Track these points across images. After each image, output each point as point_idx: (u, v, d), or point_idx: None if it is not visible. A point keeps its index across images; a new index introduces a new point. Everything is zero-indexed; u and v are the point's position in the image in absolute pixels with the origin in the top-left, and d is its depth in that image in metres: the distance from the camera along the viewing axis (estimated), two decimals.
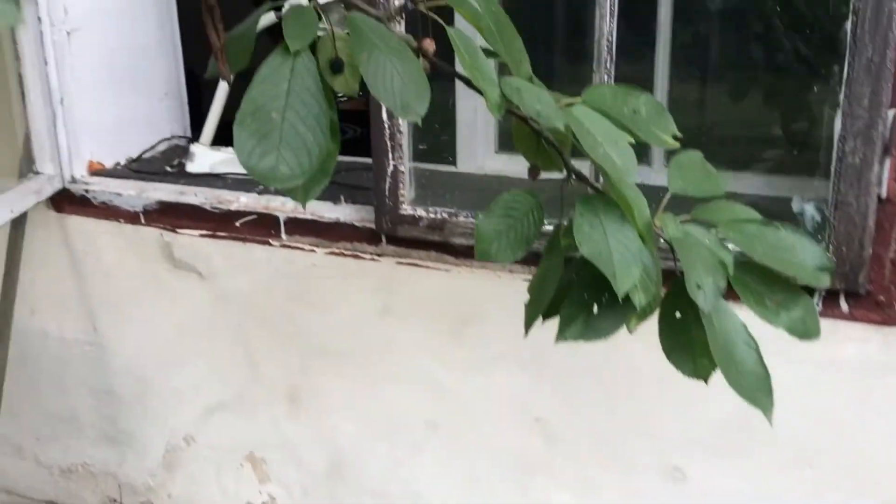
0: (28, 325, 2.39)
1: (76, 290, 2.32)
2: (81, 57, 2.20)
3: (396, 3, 1.58)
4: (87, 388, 2.40)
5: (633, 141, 0.94)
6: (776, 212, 1.73)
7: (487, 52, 0.97)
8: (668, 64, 1.95)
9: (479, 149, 2.11)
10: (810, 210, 1.57)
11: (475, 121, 2.20)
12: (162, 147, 2.46)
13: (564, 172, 0.95)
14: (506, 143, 2.24)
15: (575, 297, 0.92)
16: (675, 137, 0.99)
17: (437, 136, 2.17)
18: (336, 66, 0.87)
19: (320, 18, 0.85)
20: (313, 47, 0.86)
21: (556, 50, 2.22)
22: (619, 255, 0.88)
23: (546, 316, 0.99)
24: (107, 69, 2.28)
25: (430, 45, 0.88)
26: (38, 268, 2.32)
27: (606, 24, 1.53)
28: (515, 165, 2.12)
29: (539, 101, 0.88)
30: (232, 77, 0.89)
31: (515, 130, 0.97)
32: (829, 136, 1.53)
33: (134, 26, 2.32)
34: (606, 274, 0.87)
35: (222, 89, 2.44)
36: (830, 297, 1.55)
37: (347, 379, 2.05)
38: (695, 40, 2.01)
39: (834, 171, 1.47)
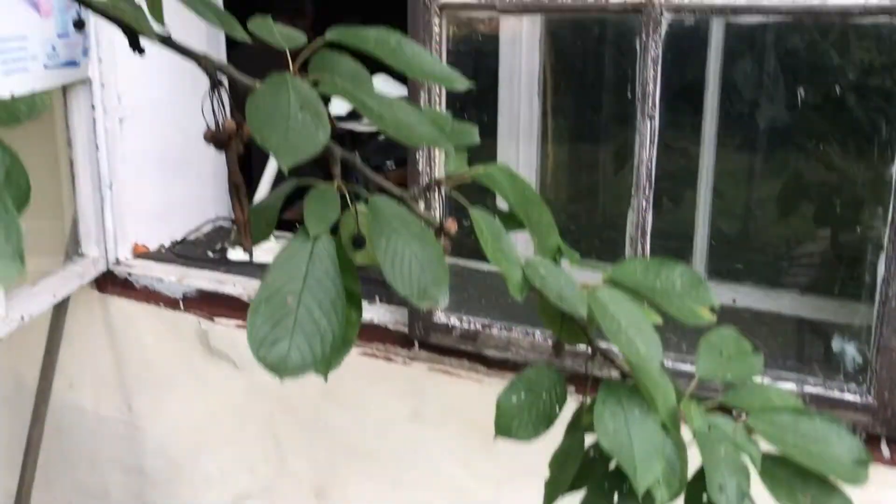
0: (65, 400, 2.42)
1: (114, 368, 2.34)
2: (132, 142, 2.25)
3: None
4: (120, 465, 2.41)
5: (660, 322, 0.91)
6: (815, 344, 1.68)
7: (514, 219, 0.95)
8: (713, 168, 1.93)
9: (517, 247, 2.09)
10: (851, 351, 1.51)
11: None
12: (206, 228, 2.49)
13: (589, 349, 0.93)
14: None
15: (595, 485, 0.89)
16: (711, 309, 0.96)
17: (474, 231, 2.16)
18: (358, 242, 0.86)
19: (343, 198, 0.85)
20: (336, 223, 0.85)
21: (602, 158, 2.22)
22: (641, 448, 0.85)
23: (567, 491, 0.96)
24: (156, 154, 2.32)
25: (451, 226, 0.87)
26: (79, 344, 2.35)
27: (646, 152, 1.51)
28: None
29: (562, 285, 0.87)
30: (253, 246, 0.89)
31: (540, 302, 0.95)
32: (873, 270, 1.48)
33: (185, 110, 2.37)
34: (626, 470, 0.84)
35: (269, 173, 2.48)
36: (871, 442, 1.49)
37: (375, 480, 2.03)
38: (742, 153, 1.98)
39: (877, 314, 1.42)
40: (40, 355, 2.25)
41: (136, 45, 0.84)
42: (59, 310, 2.22)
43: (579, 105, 2.16)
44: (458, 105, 2.15)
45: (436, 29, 1.63)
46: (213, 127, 0.85)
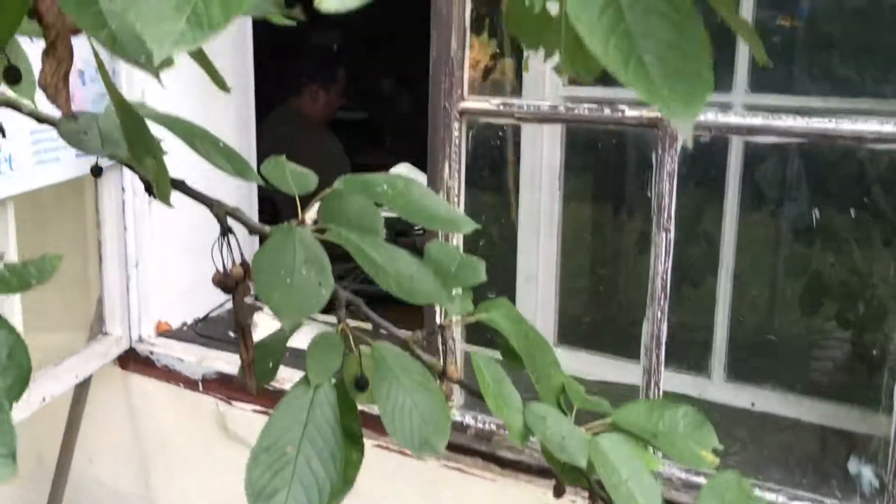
0: (85, 473, 2.43)
1: (134, 445, 2.36)
2: (160, 222, 2.29)
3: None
4: None
5: (661, 468, 0.91)
6: (833, 456, 1.66)
7: (519, 357, 0.96)
8: (732, 269, 1.93)
9: None
10: (868, 474, 1.49)
11: (535, 310, 2.20)
12: (229, 305, 2.51)
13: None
14: (565, 336, 2.22)
15: None
16: (714, 451, 0.95)
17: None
18: (360, 385, 0.87)
19: (347, 341, 0.86)
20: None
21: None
22: None
23: None
24: (184, 233, 2.36)
25: (454, 373, 0.88)
26: (100, 419, 2.37)
27: (661, 264, 1.51)
28: (576, 362, 2.10)
29: (563, 435, 0.87)
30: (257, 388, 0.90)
31: (542, 445, 0.95)
32: (890, 391, 1.46)
33: (212, 189, 2.40)
34: None
35: None
36: None
37: None
38: (762, 255, 1.98)
39: (894, 437, 1.40)
40: (61, 430, 2.28)
41: (151, 191, 0.87)
42: (81, 387, 2.24)
43: (599, 199, 2.17)
44: (482, 175, 2.18)
45: (455, 133, 1.66)
46: (221, 270, 0.87)
